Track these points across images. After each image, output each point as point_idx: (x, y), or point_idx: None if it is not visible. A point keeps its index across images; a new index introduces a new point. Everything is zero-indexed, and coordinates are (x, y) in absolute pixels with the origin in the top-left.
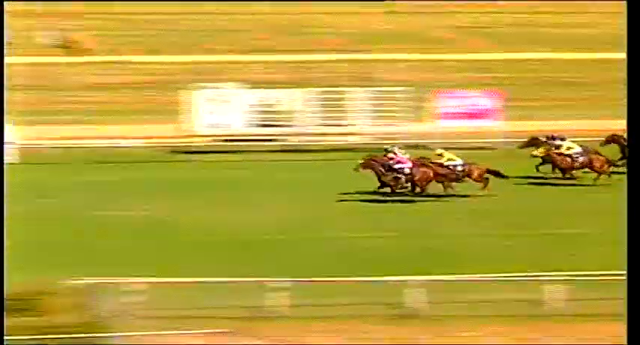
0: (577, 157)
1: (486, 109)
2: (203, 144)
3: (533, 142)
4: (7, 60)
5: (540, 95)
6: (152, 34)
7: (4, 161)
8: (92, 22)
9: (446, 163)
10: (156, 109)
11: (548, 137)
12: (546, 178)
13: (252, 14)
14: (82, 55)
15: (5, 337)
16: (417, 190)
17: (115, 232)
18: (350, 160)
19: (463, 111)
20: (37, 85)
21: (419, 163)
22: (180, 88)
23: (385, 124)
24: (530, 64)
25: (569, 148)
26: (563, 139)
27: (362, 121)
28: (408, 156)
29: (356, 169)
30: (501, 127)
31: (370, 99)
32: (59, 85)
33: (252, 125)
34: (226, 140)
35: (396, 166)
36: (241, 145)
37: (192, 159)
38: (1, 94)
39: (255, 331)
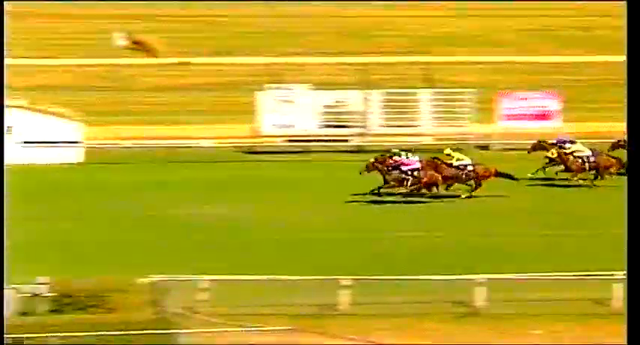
0: (588, 160)
1: (548, 111)
2: (272, 144)
3: (541, 145)
4: (81, 61)
5: (599, 97)
6: (223, 36)
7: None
8: (165, 25)
9: (455, 164)
10: (226, 110)
11: (558, 140)
12: (566, 179)
13: (321, 17)
14: (154, 57)
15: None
16: (425, 191)
17: (187, 230)
18: None
19: (525, 112)
20: (110, 86)
21: (426, 164)
22: (249, 90)
23: (449, 125)
24: (590, 67)
25: (578, 151)
26: (572, 143)
27: (426, 122)
28: (416, 158)
29: (361, 172)
30: (562, 129)
31: (434, 100)
32: (131, 86)
33: (320, 126)
34: (294, 141)
35: (403, 168)
36: (309, 146)
37: (262, 159)
38: (1, 94)
39: (321, 328)
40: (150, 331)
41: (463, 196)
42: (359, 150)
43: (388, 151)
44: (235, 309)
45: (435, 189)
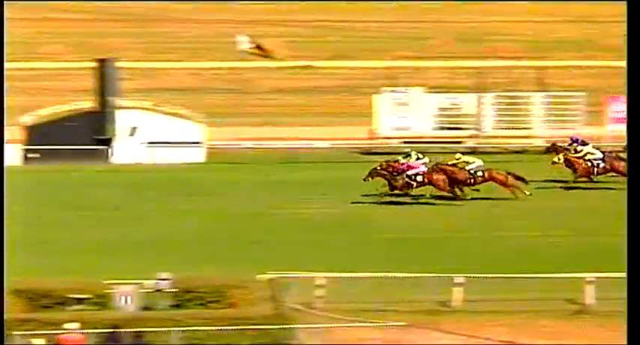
0: (597, 163)
1: None
2: (388, 145)
3: (555, 147)
4: (204, 64)
5: None
6: (341, 40)
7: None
8: (286, 29)
9: (467, 168)
10: (343, 112)
11: (570, 142)
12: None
13: (436, 22)
14: (275, 60)
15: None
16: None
17: (307, 228)
18: (522, 162)
19: None
20: (232, 88)
21: (432, 168)
22: (366, 93)
23: (560, 128)
24: None
25: (590, 154)
26: (585, 144)
27: (538, 125)
28: (423, 161)
29: (365, 179)
30: None
31: (546, 103)
32: (253, 89)
33: (435, 128)
34: (410, 142)
35: (409, 172)
36: (424, 147)
37: (378, 160)
38: (1, 94)
39: (435, 324)
40: (268, 327)
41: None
42: (472, 151)
43: (502, 152)
44: (351, 305)
45: (459, 190)
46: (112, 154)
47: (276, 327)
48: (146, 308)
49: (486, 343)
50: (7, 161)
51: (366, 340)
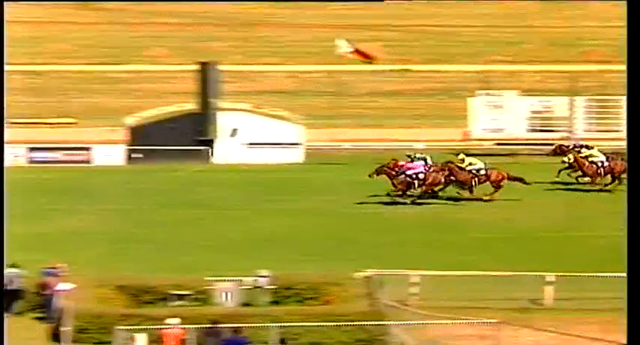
0: (602, 165)
1: None
2: (481, 147)
3: (562, 150)
4: (303, 68)
5: None
6: (437, 45)
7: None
8: (382, 33)
9: (468, 168)
10: (438, 114)
11: (575, 145)
12: None
13: (530, 27)
14: (373, 64)
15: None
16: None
17: (404, 227)
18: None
19: None
20: (330, 91)
21: (433, 168)
22: (461, 95)
23: None
24: None
25: (593, 156)
26: (588, 148)
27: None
28: (424, 162)
29: (370, 176)
30: None
31: None
32: (350, 91)
33: (527, 130)
34: (503, 144)
35: (409, 172)
36: (517, 149)
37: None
38: (1, 94)
39: (526, 321)
40: (363, 322)
41: (485, 198)
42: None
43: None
44: (444, 302)
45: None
46: (212, 155)
47: (371, 323)
48: (246, 304)
49: (577, 341)
50: (113, 161)
51: (459, 336)
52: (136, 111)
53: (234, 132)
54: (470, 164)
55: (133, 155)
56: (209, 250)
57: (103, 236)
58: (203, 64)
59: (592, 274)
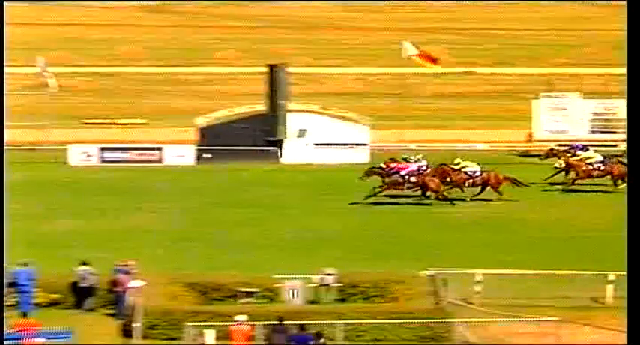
0: (597, 166)
1: None
2: (544, 149)
3: (554, 152)
4: (369, 70)
5: None
6: (500, 48)
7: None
8: (446, 37)
9: (464, 170)
10: (502, 116)
11: (570, 147)
12: None
13: (592, 30)
14: (439, 67)
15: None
16: (428, 193)
17: (462, 227)
18: None
19: None
20: (396, 93)
21: (425, 170)
22: (524, 98)
23: None
24: None
25: (588, 158)
26: (584, 149)
27: None
28: (419, 164)
29: (361, 178)
30: None
31: None
32: (416, 93)
33: (590, 132)
34: (563, 145)
35: (402, 173)
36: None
37: (533, 162)
38: (1, 95)
39: (587, 320)
40: (428, 320)
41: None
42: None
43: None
44: (506, 300)
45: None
46: (281, 155)
47: (435, 320)
48: (312, 302)
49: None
50: (184, 161)
51: (521, 334)
52: (206, 112)
53: (302, 133)
54: (465, 167)
55: (203, 155)
56: (270, 249)
57: (166, 235)
58: (272, 66)
59: None
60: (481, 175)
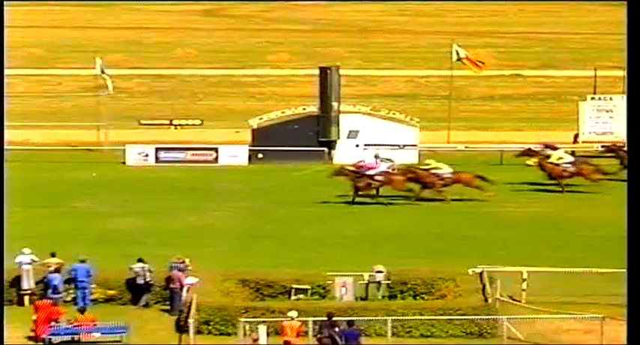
0: (567, 167)
1: None
2: (590, 149)
3: (528, 152)
4: (418, 72)
5: None
6: (547, 51)
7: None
8: (494, 40)
9: (434, 171)
10: (547, 118)
11: (542, 147)
12: None
13: None
14: (483, 69)
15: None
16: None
17: (514, 225)
18: None
19: None
20: (444, 95)
21: (392, 170)
22: (571, 100)
23: None
24: None
25: (559, 158)
26: (555, 149)
27: None
28: (388, 164)
29: (329, 177)
30: None
31: None
32: (464, 95)
33: None
34: (605, 147)
35: (368, 173)
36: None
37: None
38: (1, 95)
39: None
40: (475, 317)
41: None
42: None
43: None
44: (553, 298)
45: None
46: (332, 156)
47: (482, 317)
48: (362, 298)
49: None
50: (238, 161)
51: (566, 330)
52: (259, 113)
53: (354, 134)
54: (435, 168)
55: (257, 155)
56: (329, 246)
57: (226, 232)
58: (324, 68)
59: None
60: (452, 175)
